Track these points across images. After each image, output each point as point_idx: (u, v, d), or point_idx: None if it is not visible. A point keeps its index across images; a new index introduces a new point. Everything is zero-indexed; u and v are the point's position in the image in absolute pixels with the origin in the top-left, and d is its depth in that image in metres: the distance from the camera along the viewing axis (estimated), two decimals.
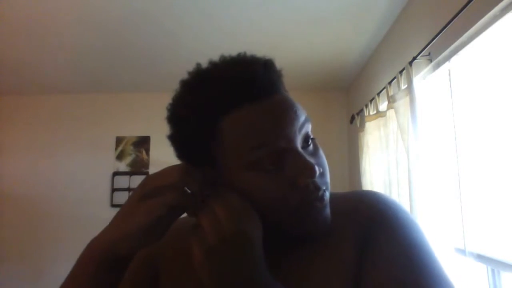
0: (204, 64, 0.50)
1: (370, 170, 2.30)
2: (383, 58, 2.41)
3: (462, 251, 1.42)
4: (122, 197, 3.36)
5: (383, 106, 2.23)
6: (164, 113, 0.51)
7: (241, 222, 0.42)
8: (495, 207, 1.30)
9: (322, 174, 0.48)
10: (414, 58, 1.65)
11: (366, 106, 2.50)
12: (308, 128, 0.48)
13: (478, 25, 1.26)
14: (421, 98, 1.60)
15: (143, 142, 3.52)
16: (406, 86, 1.70)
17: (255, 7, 2.03)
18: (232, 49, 0.56)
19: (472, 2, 1.21)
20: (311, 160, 0.46)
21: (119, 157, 3.51)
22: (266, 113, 0.45)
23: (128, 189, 3.40)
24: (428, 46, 1.55)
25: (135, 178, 3.42)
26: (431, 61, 1.61)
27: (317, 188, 0.46)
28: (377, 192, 0.56)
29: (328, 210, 0.48)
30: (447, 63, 1.53)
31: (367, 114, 2.45)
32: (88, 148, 3.53)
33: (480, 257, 1.34)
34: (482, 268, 1.41)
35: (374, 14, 2.11)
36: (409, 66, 1.66)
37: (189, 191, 0.44)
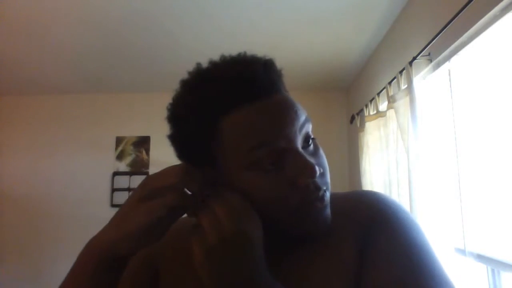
0: (204, 64, 0.50)
1: (370, 170, 2.30)
2: (383, 58, 2.41)
3: (462, 251, 1.42)
4: (122, 197, 3.36)
5: (383, 106, 2.23)
6: (164, 113, 0.51)
7: (241, 222, 0.42)
8: (495, 207, 1.30)
9: (323, 174, 0.48)
10: (414, 58, 1.65)
11: (366, 106, 2.50)
12: (309, 128, 0.48)
13: (478, 25, 1.26)
14: (421, 98, 1.60)
15: (143, 142, 3.52)
16: (406, 86, 1.70)
17: (255, 7, 2.03)
18: (232, 49, 0.56)
19: (472, 2, 1.21)
20: (312, 160, 0.46)
21: (119, 157, 3.51)
22: (266, 113, 0.45)
23: (128, 189, 3.40)
24: (428, 46, 1.55)
25: (135, 178, 3.42)
26: (431, 61, 1.61)
27: (318, 188, 0.46)
28: (377, 192, 0.56)
29: (328, 210, 0.48)
30: (447, 63, 1.53)
31: (367, 114, 2.45)
32: (88, 148, 3.53)
33: (480, 257, 1.34)
34: (482, 268, 1.41)
35: (374, 14, 2.11)
36: (409, 66, 1.66)
37: (189, 192, 0.44)
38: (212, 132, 0.46)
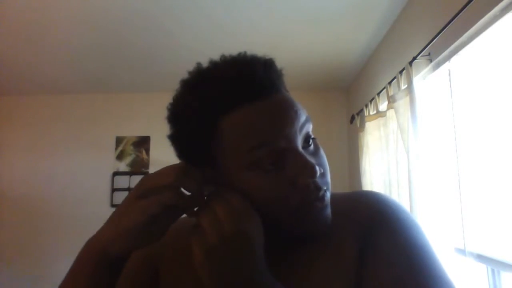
0: (205, 63, 0.50)
1: (370, 170, 2.30)
2: (383, 58, 2.41)
3: (462, 251, 1.42)
4: (122, 197, 3.30)
5: (383, 106, 2.23)
6: (164, 113, 0.51)
7: (241, 222, 0.42)
8: (495, 207, 1.30)
9: (323, 174, 0.48)
10: (414, 58, 1.65)
11: (366, 106, 2.50)
12: (309, 128, 0.48)
13: (478, 25, 1.26)
14: (421, 98, 1.60)
15: (143, 142, 3.52)
16: (406, 86, 1.70)
17: (255, 7, 2.03)
18: (232, 49, 0.56)
19: (472, 2, 1.21)
20: (312, 160, 0.46)
21: (119, 157, 3.51)
22: (266, 113, 0.45)
23: (128, 189, 3.39)
24: (428, 46, 1.55)
25: (135, 178, 3.42)
26: (431, 61, 1.61)
27: (318, 188, 0.46)
28: (377, 192, 0.56)
29: (328, 210, 0.48)
30: (447, 63, 1.53)
31: (367, 114, 2.45)
32: (88, 148, 3.53)
33: (480, 257, 1.34)
34: (482, 268, 1.41)
35: (374, 14, 2.11)
36: (409, 66, 1.66)
37: (185, 191, 0.44)
38: (212, 132, 0.46)
